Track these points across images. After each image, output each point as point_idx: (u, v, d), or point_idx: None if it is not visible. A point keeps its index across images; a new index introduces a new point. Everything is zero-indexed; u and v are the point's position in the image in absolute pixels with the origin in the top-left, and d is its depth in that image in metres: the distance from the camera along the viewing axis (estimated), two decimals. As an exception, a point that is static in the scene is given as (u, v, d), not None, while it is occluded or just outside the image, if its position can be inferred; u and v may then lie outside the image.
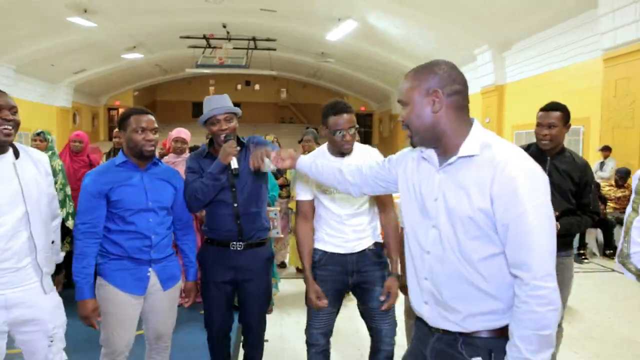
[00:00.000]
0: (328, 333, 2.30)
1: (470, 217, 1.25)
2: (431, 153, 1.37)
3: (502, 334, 1.27)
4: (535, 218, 1.18)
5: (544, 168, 2.40)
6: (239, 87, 27.14)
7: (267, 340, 3.31)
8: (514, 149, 1.28)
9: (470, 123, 1.33)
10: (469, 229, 1.26)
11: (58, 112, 16.59)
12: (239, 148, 2.21)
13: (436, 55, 13.11)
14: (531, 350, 1.17)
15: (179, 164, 3.81)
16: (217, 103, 2.24)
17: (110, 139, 20.74)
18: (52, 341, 1.87)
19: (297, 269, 5.07)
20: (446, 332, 1.33)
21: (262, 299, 2.40)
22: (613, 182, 6.68)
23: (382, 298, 2.18)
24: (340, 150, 2.16)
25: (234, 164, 2.13)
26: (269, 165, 1.94)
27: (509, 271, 1.24)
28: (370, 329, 2.28)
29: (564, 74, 8.90)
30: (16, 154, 1.81)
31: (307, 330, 2.30)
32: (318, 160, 1.83)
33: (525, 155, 1.27)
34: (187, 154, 3.93)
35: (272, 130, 21.45)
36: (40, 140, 4.20)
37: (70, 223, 4.24)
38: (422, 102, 1.31)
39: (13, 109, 1.76)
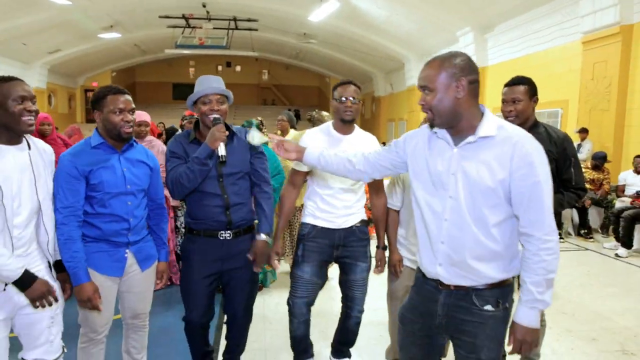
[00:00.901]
0: (310, 303, 2.45)
1: (491, 188, 1.46)
2: (445, 133, 1.54)
3: (504, 284, 1.54)
4: (546, 186, 1.44)
5: None
6: (220, 68, 26.65)
7: (249, 321, 3.35)
8: (521, 130, 1.51)
9: (480, 108, 1.53)
10: (488, 199, 1.47)
11: (33, 94, 16.11)
12: (227, 133, 2.12)
13: (418, 36, 13.08)
14: (540, 291, 1.45)
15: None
16: (212, 82, 2.16)
17: (88, 121, 20.25)
18: (53, 322, 1.89)
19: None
20: (458, 288, 1.55)
21: (248, 288, 2.34)
22: (589, 165, 6.82)
23: (377, 271, 2.49)
24: (342, 117, 2.34)
25: (222, 150, 2.05)
26: (253, 137, 1.99)
27: (519, 230, 1.49)
28: (345, 296, 2.51)
29: (544, 56, 8.99)
30: (27, 144, 1.83)
31: (290, 300, 2.44)
32: (325, 152, 1.89)
33: (531, 135, 1.50)
34: (149, 137, 3.81)
35: (255, 112, 21.25)
36: None
37: None
38: (447, 88, 1.47)
39: (34, 99, 1.78)
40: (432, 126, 1.57)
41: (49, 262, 1.89)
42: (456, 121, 1.50)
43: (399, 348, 1.81)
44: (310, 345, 2.61)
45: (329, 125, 2.44)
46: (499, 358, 1.57)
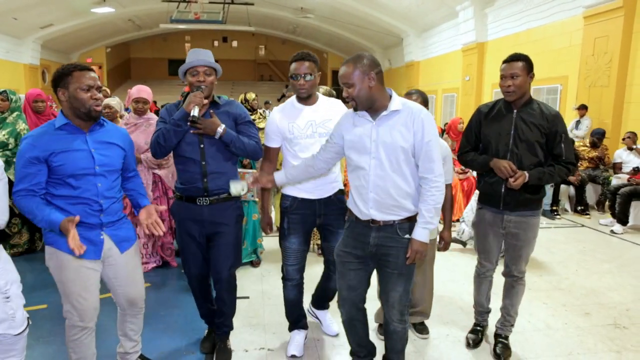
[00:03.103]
0: (301, 269, 2.62)
1: (402, 147, 1.98)
2: (364, 113, 2.05)
3: (414, 219, 2.07)
4: (435, 143, 2.00)
5: (510, 121, 2.45)
6: (216, 43, 26.27)
7: (248, 297, 3.40)
8: (418, 104, 2.06)
9: (387, 91, 2.04)
10: (401, 155, 1.99)
11: (26, 70, 15.84)
12: (206, 101, 2.30)
13: (417, 11, 12.85)
14: (431, 216, 2.01)
15: (141, 125, 3.65)
16: (200, 55, 2.31)
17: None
18: (7, 297, 1.88)
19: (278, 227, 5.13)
20: (385, 223, 2.07)
21: (229, 252, 2.45)
22: (588, 143, 6.78)
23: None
24: (298, 94, 2.42)
25: (194, 111, 2.18)
26: (235, 187, 2.22)
27: (419, 175, 2.03)
28: (327, 260, 2.69)
29: (544, 31, 8.86)
30: None
31: (283, 268, 2.61)
32: (288, 169, 2.30)
33: (423, 107, 2.06)
34: (149, 115, 3.72)
35: (251, 88, 21.01)
36: (2, 99, 4.02)
37: None
38: (363, 81, 1.96)
39: None
40: (356, 110, 2.04)
41: None
42: (372, 103, 1.99)
43: (338, 278, 2.23)
44: (303, 316, 2.72)
45: (293, 98, 2.53)
46: (412, 270, 2.14)
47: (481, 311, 2.82)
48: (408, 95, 2.66)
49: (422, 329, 2.91)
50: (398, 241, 2.07)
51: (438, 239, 2.84)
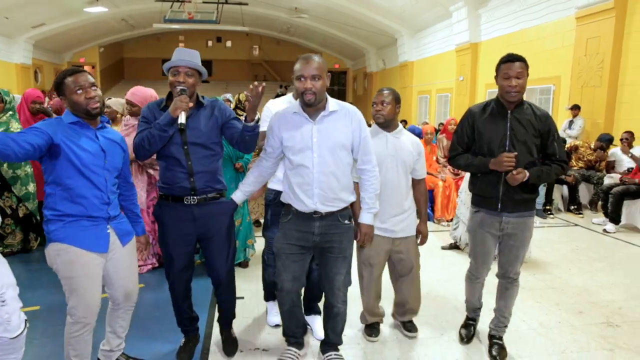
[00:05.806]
0: None
1: (342, 143, 2.22)
2: (302, 112, 2.21)
3: (352, 206, 2.37)
4: (369, 138, 2.31)
5: (505, 122, 2.45)
6: (210, 43, 26.21)
7: (242, 298, 3.39)
8: (351, 105, 2.31)
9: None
10: (342, 151, 2.23)
11: (18, 70, 15.72)
12: (192, 104, 2.23)
13: (411, 12, 12.88)
14: (372, 202, 2.32)
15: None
16: (184, 55, 2.24)
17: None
18: (3, 301, 1.88)
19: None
20: (328, 213, 2.26)
21: (226, 251, 2.44)
22: (591, 144, 6.76)
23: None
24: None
25: (181, 118, 2.13)
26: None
27: (358, 168, 2.31)
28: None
29: (537, 32, 8.92)
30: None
31: (265, 255, 2.86)
32: (242, 187, 2.45)
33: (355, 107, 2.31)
34: None
35: (245, 88, 20.93)
36: None
37: (30, 205, 4.13)
38: (326, 78, 2.17)
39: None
40: (309, 106, 2.17)
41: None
42: (320, 101, 2.17)
43: (281, 271, 2.34)
44: None
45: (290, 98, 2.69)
46: (352, 253, 2.38)
47: (474, 308, 2.88)
48: (380, 92, 2.67)
49: (410, 327, 2.90)
50: (340, 227, 2.30)
51: (415, 233, 2.82)
